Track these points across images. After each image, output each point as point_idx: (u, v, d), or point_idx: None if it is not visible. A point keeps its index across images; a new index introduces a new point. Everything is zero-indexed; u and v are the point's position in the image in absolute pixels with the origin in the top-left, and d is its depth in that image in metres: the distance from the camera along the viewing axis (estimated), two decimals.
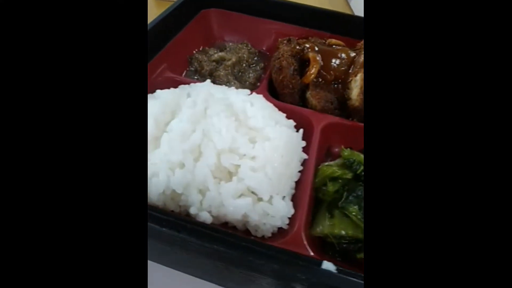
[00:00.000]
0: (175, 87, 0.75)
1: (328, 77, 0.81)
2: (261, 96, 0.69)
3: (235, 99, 0.63)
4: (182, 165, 0.54)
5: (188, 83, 0.75)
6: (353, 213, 0.57)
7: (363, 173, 0.62)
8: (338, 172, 0.63)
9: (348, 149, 0.67)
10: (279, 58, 0.80)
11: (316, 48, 0.84)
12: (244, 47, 0.95)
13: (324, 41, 0.91)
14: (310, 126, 0.73)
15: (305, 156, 0.65)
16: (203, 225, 0.50)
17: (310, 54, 0.82)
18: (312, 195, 0.62)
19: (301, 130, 0.66)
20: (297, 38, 0.96)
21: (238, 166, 0.56)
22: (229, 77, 0.85)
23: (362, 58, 0.80)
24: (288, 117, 0.72)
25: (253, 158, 0.57)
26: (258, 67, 0.94)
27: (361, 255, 0.57)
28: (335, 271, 0.46)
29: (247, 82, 0.87)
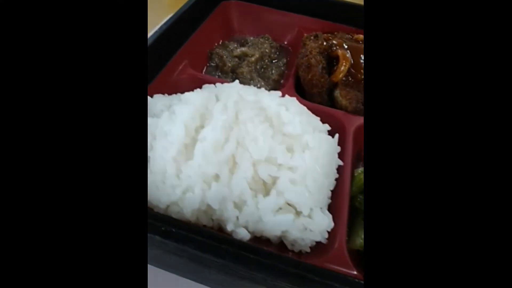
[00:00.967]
0: (199, 86, 0.71)
1: (358, 75, 0.77)
2: (294, 99, 0.65)
3: (268, 102, 0.59)
4: (218, 178, 0.51)
5: (213, 82, 0.71)
6: None
7: None
8: None
9: None
10: (307, 55, 0.76)
11: (345, 45, 0.79)
12: (266, 42, 0.91)
13: (351, 36, 0.87)
14: (342, 128, 0.69)
15: (340, 162, 0.62)
16: (244, 246, 0.46)
17: (339, 52, 0.77)
18: (350, 205, 0.58)
19: (336, 136, 0.62)
20: (320, 32, 0.93)
21: (276, 177, 0.53)
22: (253, 74, 0.81)
23: None
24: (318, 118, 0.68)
25: (292, 168, 0.53)
26: (280, 62, 0.89)
27: None
28: None
29: (270, 79, 0.83)
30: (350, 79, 0.77)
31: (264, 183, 0.53)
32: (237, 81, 0.68)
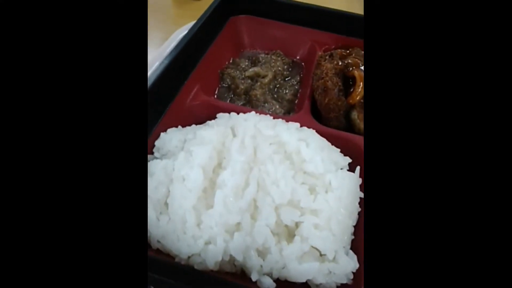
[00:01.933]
0: (213, 112, 0.69)
1: None
2: (313, 132, 0.63)
3: (287, 137, 0.57)
4: (239, 226, 0.49)
5: (227, 109, 0.69)
6: None
7: None
8: None
9: None
10: (322, 77, 0.74)
11: (361, 65, 0.77)
12: (278, 59, 0.88)
13: None
14: (361, 155, 0.67)
15: (362, 194, 0.60)
16: None
17: (356, 73, 0.75)
18: None
19: (357, 169, 0.60)
20: (333, 46, 0.90)
21: (300, 222, 0.51)
22: (266, 96, 0.79)
23: None
24: (336, 144, 0.66)
25: (315, 212, 0.51)
26: (294, 80, 0.87)
27: None
28: None
29: (284, 100, 0.81)
30: None
31: (287, 227, 0.51)
32: (253, 112, 0.65)
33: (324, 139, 0.63)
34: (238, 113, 0.67)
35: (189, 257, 0.49)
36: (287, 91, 0.83)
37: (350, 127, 0.76)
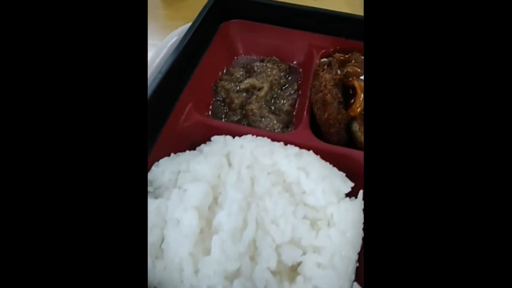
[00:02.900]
0: (207, 133, 0.66)
1: None
2: (314, 159, 0.60)
3: (286, 166, 0.54)
4: (239, 271, 0.47)
5: (223, 130, 0.66)
6: None
7: None
8: None
9: None
10: (321, 90, 0.70)
11: (361, 74, 0.73)
12: (274, 67, 0.84)
13: None
14: (362, 173, 0.64)
15: None
16: None
17: (356, 83, 0.71)
18: None
19: (360, 193, 0.57)
20: (332, 49, 0.86)
21: (302, 261, 0.49)
22: (263, 110, 0.75)
23: None
24: (337, 163, 0.63)
25: (318, 249, 0.49)
26: (291, 88, 0.83)
27: None
28: None
29: (282, 112, 0.78)
30: None
31: (290, 266, 0.49)
32: (249, 136, 0.62)
33: (325, 163, 0.60)
34: (233, 135, 0.64)
35: None
36: (284, 101, 0.80)
37: (351, 139, 0.72)
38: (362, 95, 0.70)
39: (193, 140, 0.68)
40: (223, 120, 0.77)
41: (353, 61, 0.78)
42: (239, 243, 0.47)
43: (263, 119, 0.74)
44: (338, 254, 0.49)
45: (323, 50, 0.85)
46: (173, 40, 0.85)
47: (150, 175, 0.58)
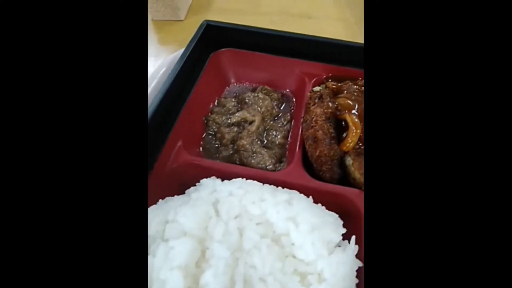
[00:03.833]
0: (197, 173, 0.65)
1: None
2: (304, 204, 0.58)
3: (275, 217, 0.53)
4: None
5: (213, 171, 0.65)
6: None
7: None
8: None
9: None
10: (312, 126, 0.69)
11: (355, 107, 0.71)
12: (266, 97, 0.83)
13: (358, 88, 0.78)
14: (357, 212, 0.63)
15: (360, 264, 0.56)
16: None
17: (348, 117, 0.70)
18: None
19: (353, 239, 0.55)
20: (324, 76, 0.84)
21: None
22: (255, 145, 0.74)
23: None
24: (329, 201, 0.62)
25: None
26: (283, 119, 0.82)
27: None
28: None
29: (275, 145, 0.76)
30: (362, 146, 0.69)
31: None
32: (238, 180, 0.61)
33: (317, 208, 0.58)
34: (223, 175, 0.63)
35: None
36: (277, 133, 0.78)
37: (345, 173, 0.71)
38: (355, 129, 0.69)
39: (182, 181, 0.67)
40: (215, 155, 0.76)
41: (345, 91, 0.77)
42: None
43: (254, 155, 0.73)
44: None
45: (315, 78, 0.84)
46: (162, 71, 0.84)
47: None
